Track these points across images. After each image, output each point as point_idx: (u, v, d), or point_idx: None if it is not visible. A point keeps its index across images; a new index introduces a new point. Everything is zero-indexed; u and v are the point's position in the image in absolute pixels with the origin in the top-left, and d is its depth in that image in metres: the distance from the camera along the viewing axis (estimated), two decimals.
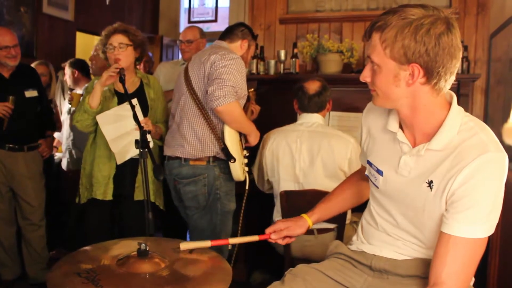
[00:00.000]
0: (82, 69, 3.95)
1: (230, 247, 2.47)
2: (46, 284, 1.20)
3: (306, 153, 2.43)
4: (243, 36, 2.54)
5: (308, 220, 1.62)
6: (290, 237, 1.60)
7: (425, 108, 1.24)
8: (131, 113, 2.07)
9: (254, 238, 1.55)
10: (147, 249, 1.27)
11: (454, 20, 1.17)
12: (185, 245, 1.37)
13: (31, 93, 2.99)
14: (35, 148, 3.07)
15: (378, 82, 1.24)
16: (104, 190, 2.55)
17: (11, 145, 2.93)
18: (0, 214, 2.99)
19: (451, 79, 1.21)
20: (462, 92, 3.15)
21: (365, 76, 1.28)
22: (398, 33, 1.15)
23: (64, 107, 3.90)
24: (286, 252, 2.42)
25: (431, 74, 1.17)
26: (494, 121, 3.27)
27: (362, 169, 1.65)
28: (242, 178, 2.43)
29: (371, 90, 1.29)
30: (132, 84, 2.62)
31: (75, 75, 3.81)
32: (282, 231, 1.57)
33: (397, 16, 1.16)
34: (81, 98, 2.68)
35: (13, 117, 2.85)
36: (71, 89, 3.98)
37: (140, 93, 2.61)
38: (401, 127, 1.34)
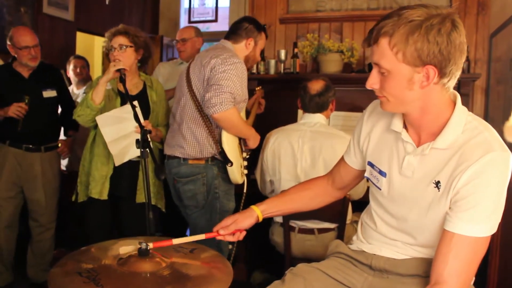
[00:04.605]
0: (88, 67, 3.98)
1: (230, 246, 2.47)
2: (46, 284, 1.20)
3: (308, 153, 2.42)
4: (248, 35, 2.48)
5: (256, 210, 1.55)
6: (240, 231, 1.53)
7: (435, 108, 1.24)
8: (130, 115, 2.07)
9: (201, 236, 1.47)
10: (148, 248, 1.27)
11: (457, 16, 1.17)
12: (123, 249, 1.31)
13: (49, 93, 2.95)
14: (53, 148, 3.03)
15: (389, 88, 1.22)
16: (100, 189, 2.55)
17: (27, 145, 2.89)
18: (4, 217, 2.93)
19: (458, 75, 1.22)
20: (463, 91, 3.15)
21: (373, 83, 1.25)
22: (409, 36, 1.14)
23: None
24: (287, 251, 2.42)
25: (444, 73, 1.17)
26: (494, 120, 3.26)
27: (334, 172, 1.63)
28: (240, 182, 2.42)
29: (379, 96, 1.27)
30: (135, 87, 2.63)
31: (85, 71, 3.84)
32: (229, 226, 1.51)
33: (403, 19, 1.15)
34: (84, 94, 2.67)
35: (30, 117, 2.80)
36: (69, 82, 3.99)
37: (142, 96, 2.62)
38: (405, 126, 1.33)
